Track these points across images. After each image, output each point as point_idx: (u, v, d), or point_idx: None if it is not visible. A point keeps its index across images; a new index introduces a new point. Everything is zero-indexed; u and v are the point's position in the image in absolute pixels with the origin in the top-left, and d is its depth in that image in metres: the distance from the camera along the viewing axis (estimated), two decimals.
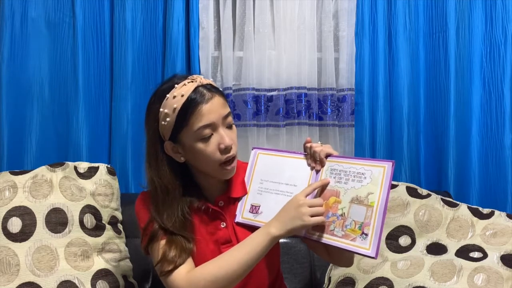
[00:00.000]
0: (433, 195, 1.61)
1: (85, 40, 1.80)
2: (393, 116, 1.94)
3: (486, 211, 1.54)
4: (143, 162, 1.81)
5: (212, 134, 1.04)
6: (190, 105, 1.02)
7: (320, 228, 1.03)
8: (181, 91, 1.03)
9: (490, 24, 1.91)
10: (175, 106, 1.02)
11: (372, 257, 0.96)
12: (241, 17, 1.90)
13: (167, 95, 1.04)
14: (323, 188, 1.06)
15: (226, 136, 1.04)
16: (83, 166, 1.58)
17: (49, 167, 1.52)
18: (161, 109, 1.05)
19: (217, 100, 1.05)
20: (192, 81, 1.05)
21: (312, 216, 0.99)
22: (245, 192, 1.15)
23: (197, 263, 1.07)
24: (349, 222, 1.00)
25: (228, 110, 1.07)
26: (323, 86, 1.94)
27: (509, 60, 1.89)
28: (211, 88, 1.06)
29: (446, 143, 1.91)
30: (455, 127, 1.91)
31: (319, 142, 1.13)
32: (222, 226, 1.12)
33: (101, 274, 1.41)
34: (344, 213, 1.02)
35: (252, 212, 1.13)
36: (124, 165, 1.81)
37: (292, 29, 1.91)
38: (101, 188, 1.55)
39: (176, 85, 1.05)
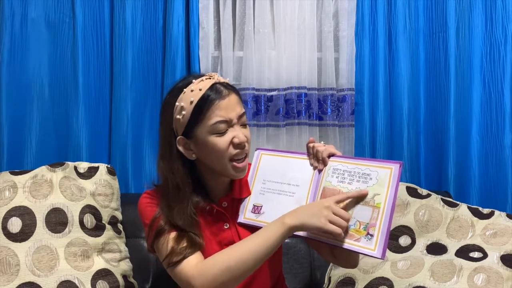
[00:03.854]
0: (433, 195, 1.61)
1: (85, 40, 1.80)
2: (393, 116, 1.94)
3: (486, 211, 1.54)
4: (143, 162, 1.84)
5: (227, 130, 1.05)
6: (208, 99, 1.03)
7: None
8: (199, 86, 1.04)
9: (490, 24, 1.91)
10: (192, 99, 1.03)
11: (378, 258, 0.96)
12: (241, 17, 1.90)
13: (184, 90, 1.05)
14: (325, 192, 1.05)
15: (241, 133, 1.05)
16: (83, 166, 1.58)
17: (49, 167, 1.52)
18: (177, 103, 1.06)
19: (234, 98, 1.06)
20: (210, 78, 1.07)
21: (331, 223, 0.97)
22: (249, 193, 1.15)
23: None
24: (353, 222, 1.00)
25: (243, 109, 1.08)
26: (323, 86, 1.94)
27: (509, 60, 1.89)
28: (227, 85, 1.08)
29: (446, 143, 1.91)
30: (455, 127, 1.91)
31: (322, 142, 1.13)
32: (226, 227, 1.12)
33: (101, 274, 1.41)
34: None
35: (254, 212, 1.12)
36: (124, 165, 1.81)
37: (292, 29, 1.91)
38: (101, 188, 1.55)
39: (193, 81, 1.06)
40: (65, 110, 1.80)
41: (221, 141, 1.04)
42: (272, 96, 1.92)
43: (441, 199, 1.59)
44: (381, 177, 1.01)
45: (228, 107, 1.04)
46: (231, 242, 1.10)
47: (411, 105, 1.94)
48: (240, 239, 1.11)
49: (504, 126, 1.89)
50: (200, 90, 1.04)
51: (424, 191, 1.62)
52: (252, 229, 1.11)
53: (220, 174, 1.10)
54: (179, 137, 1.07)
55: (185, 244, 1.03)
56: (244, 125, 1.09)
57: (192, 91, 1.04)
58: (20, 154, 1.77)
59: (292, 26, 1.91)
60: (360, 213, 1.00)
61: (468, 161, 1.90)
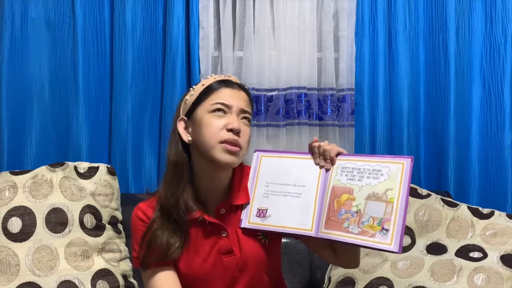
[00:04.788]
0: (433, 195, 1.61)
1: (85, 40, 1.80)
2: (393, 116, 1.94)
3: (486, 211, 1.54)
4: (143, 162, 1.84)
5: (225, 113, 1.06)
6: (217, 85, 1.09)
7: (333, 226, 1.02)
8: (215, 77, 1.13)
9: (490, 24, 1.91)
10: (203, 83, 1.11)
11: (395, 252, 0.95)
12: (241, 17, 1.90)
13: (202, 80, 1.14)
14: (334, 190, 1.04)
15: (237, 121, 1.06)
16: (83, 166, 1.58)
17: (49, 167, 1.52)
18: (191, 88, 1.13)
19: (241, 94, 1.10)
20: (228, 77, 1.13)
21: None
22: (248, 199, 1.12)
23: (198, 275, 1.08)
24: (366, 218, 0.99)
25: (248, 109, 1.10)
26: (323, 86, 1.94)
27: (509, 60, 1.89)
28: (240, 85, 1.13)
29: (446, 143, 1.91)
30: (455, 127, 1.91)
31: (326, 141, 1.11)
32: (223, 235, 1.10)
33: (101, 274, 1.41)
34: (360, 210, 1.00)
35: (259, 216, 1.10)
36: (124, 165, 1.81)
37: (292, 29, 1.91)
38: (101, 188, 1.55)
39: (213, 75, 1.14)
40: (65, 110, 1.81)
41: (216, 122, 1.05)
42: (272, 96, 1.92)
43: (441, 199, 1.59)
44: (393, 172, 1.00)
45: (232, 96, 1.08)
46: (229, 251, 1.09)
47: (411, 105, 1.94)
48: (239, 247, 1.09)
49: (504, 126, 1.89)
50: (215, 78, 1.11)
51: (424, 191, 1.62)
52: (255, 236, 1.11)
53: (211, 163, 1.07)
54: (181, 117, 1.11)
55: (157, 253, 1.06)
56: (245, 122, 1.09)
57: (207, 79, 1.12)
58: (20, 154, 1.78)
59: (292, 26, 1.91)
60: (373, 208, 0.99)
61: (468, 161, 1.90)
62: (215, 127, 1.04)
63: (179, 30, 1.82)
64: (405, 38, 1.93)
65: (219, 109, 1.06)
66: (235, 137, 1.05)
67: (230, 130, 1.04)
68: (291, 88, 1.91)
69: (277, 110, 1.91)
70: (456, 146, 1.91)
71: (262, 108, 1.91)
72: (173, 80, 1.81)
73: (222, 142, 1.04)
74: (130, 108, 1.82)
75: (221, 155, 1.04)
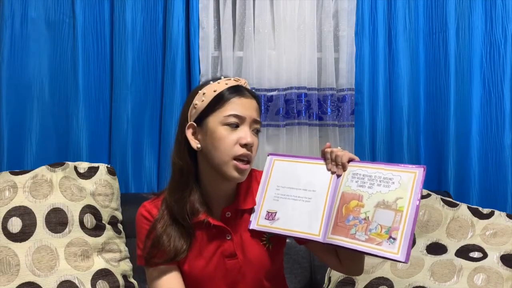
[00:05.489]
0: (433, 195, 1.61)
1: (85, 40, 1.80)
2: (393, 116, 1.94)
3: (486, 211, 1.54)
4: (143, 162, 1.84)
5: (238, 126, 1.05)
6: (230, 93, 1.06)
7: (340, 232, 1.01)
8: (226, 81, 1.09)
9: (490, 24, 1.91)
10: (215, 89, 1.07)
11: (402, 262, 0.94)
12: (241, 17, 1.90)
13: (211, 82, 1.09)
14: (344, 196, 1.04)
15: (250, 135, 1.05)
16: (83, 166, 1.58)
17: (49, 167, 1.52)
18: (200, 91, 1.09)
19: (254, 103, 1.09)
20: (238, 81, 1.11)
21: None
22: (254, 204, 1.13)
23: (200, 277, 1.09)
24: (374, 226, 0.98)
25: (259, 117, 1.10)
26: (323, 86, 1.94)
27: (509, 60, 1.89)
28: (251, 92, 1.12)
29: (446, 143, 1.91)
30: (455, 127, 1.91)
31: (339, 147, 1.11)
32: (228, 238, 1.10)
33: (101, 274, 1.41)
34: (368, 217, 0.99)
35: (268, 219, 1.10)
36: (124, 165, 1.81)
37: (292, 29, 1.91)
38: (101, 188, 1.55)
39: (223, 77, 1.11)
40: (65, 110, 1.80)
41: (229, 137, 1.04)
42: (272, 96, 1.92)
43: (441, 199, 1.59)
44: (404, 181, 1.00)
45: (246, 106, 1.06)
46: (232, 254, 1.09)
47: (411, 105, 1.94)
48: (242, 251, 1.09)
49: (504, 126, 1.89)
50: (226, 84, 1.08)
51: (424, 191, 1.62)
52: (258, 241, 1.10)
53: (220, 174, 1.07)
54: (189, 123, 1.08)
55: (162, 256, 1.06)
56: (255, 133, 1.09)
57: (218, 83, 1.08)
58: (20, 154, 1.77)
59: (292, 26, 1.91)
60: (381, 216, 0.98)
61: (468, 161, 1.90)
62: (229, 142, 1.04)
63: (179, 30, 1.82)
64: (405, 38, 1.93)
65: (232, 122, 1.04)
66: (248, 152, 1.05)
67: (244, 145, 1.04)
68: (291, 88, 1.91)
69: (277, 110, 1.91)
70: (456, 146, 1.91)
71: (262, 108, 1.91)
72: (173, 80, 1.81)
73: (235, 157, 1.04)
74: (130, 108, 1.82)
75: (232, 172, 1.05)
